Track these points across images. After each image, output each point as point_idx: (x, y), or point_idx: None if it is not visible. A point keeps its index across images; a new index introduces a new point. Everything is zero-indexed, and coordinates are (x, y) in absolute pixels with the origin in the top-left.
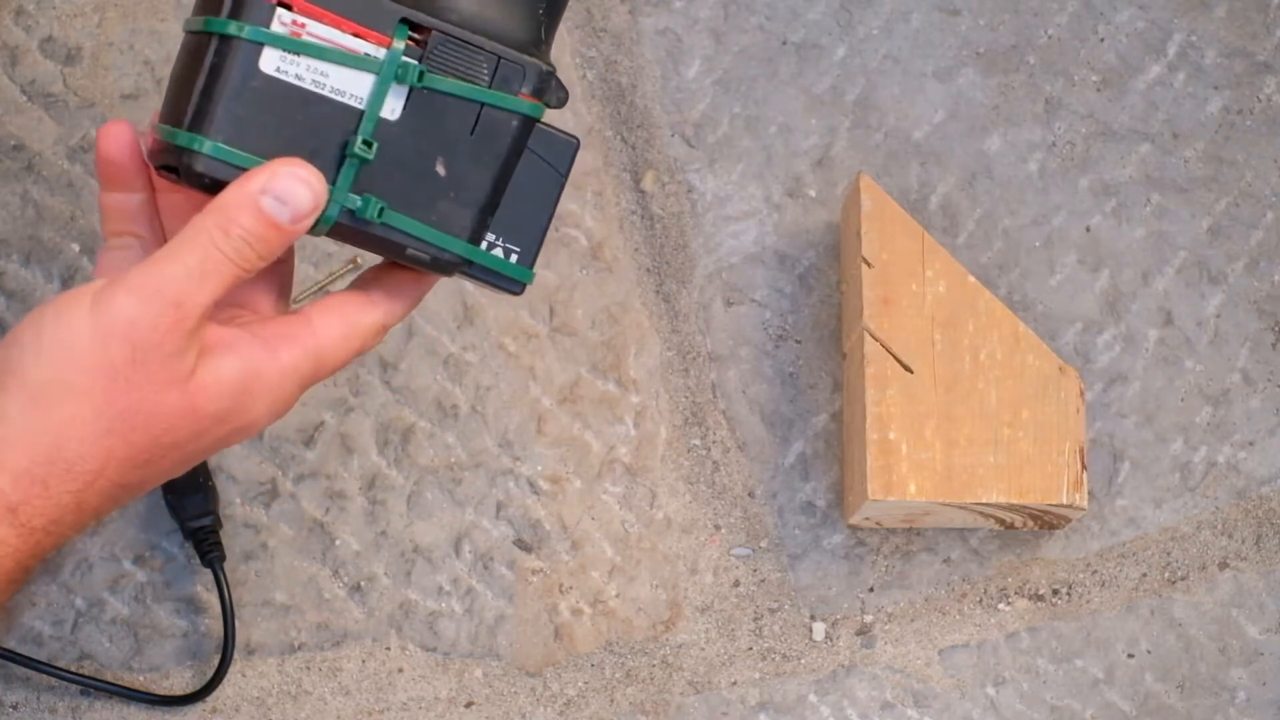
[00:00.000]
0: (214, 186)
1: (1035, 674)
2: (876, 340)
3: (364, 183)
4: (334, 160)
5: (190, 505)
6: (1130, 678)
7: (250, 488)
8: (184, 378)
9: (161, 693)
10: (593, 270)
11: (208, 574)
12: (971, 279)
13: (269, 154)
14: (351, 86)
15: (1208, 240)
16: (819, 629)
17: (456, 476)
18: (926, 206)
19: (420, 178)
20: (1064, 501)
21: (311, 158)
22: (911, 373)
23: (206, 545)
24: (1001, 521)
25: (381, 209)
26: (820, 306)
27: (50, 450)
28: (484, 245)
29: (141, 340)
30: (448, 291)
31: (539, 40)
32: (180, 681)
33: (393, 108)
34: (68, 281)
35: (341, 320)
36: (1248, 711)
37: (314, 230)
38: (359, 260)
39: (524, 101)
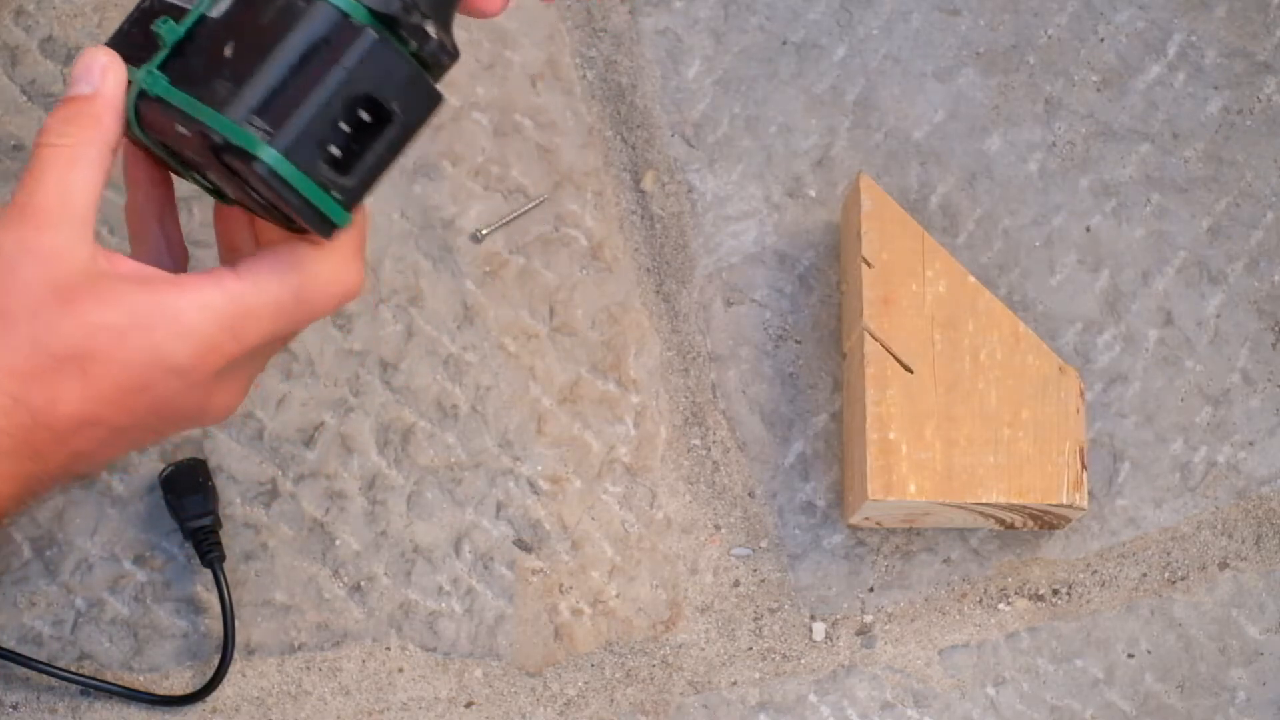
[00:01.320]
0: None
1: (1035, 674)
2: (876, 340)
3: (176, 74)
4: (153, 48)
5: (190, 505)
6: (1130, 678)
7: (250, 488)
8: (60, 278)
9: (161, 693)
10: (593, 270)
11: (208, 574)
12: (971, 279)
13: (127, 54)
14: None
15: (1208, 240)
16: (819, 629)
17: (456, 476)
18: (926, 206)
19: (210, 61)
20: (1064, 501)
21: (153, 55)
22: (911, 373)
23: (206, 545)
24: (1001, 521)
25: (161, 81)
26: (820, 306)
27: None
28: (248, 128)
29: (4, 251)
30: (448, 291)
31: None
32: (180, 681)
33: (220, 7)
34: None
35: (273, 265)
36: (1248, 711)
37: (133, 115)
38: None
39: None
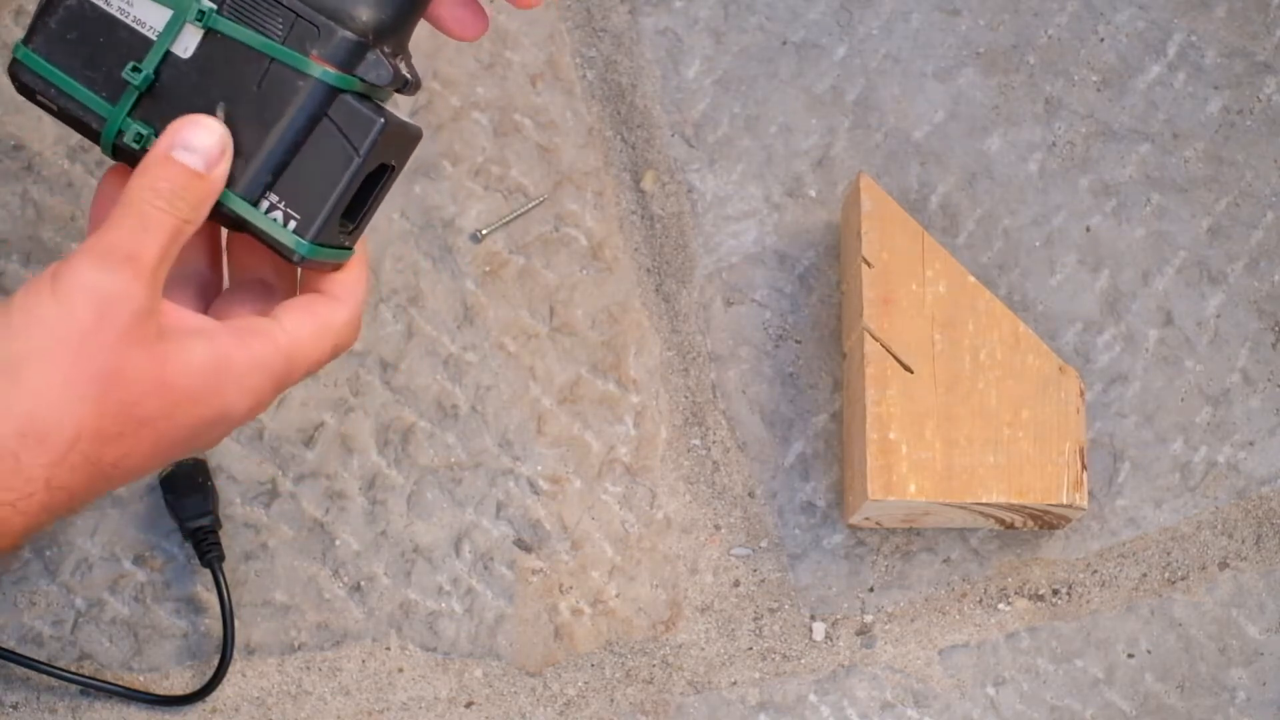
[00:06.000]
0: (28, 93)
1: (1035, 674)
2: (876, 340)
3: (147, 113)
4: (121, 85)
5: (190, 505)
6: (1130, 678)
7: (250, 488)
8: (151, 339)
9: (161, 693)
10: (593, 270)
11: (208, 574)
12: (971, 279)
13: (74, 70)
14: (152, 19)
15: (1208, 240)
16: (819, 629)
17: (456, 476)
18: (926, 206)
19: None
20: (1064, 501)
21: (105, 79)
22: (911, 373)
23: (206, 545)
24: (1001, 521)
25: (142, 135)
26: (820, 306)
27: (23, 421)
28: (264, 206)
29: (104, 297)
30: (447, 291)
31: (366, 19)
32: (180, 681)
33: (186, 46)
34: None
35: (311, 319)
36: (1248, 711)
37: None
38: None
39: (315, 64)
